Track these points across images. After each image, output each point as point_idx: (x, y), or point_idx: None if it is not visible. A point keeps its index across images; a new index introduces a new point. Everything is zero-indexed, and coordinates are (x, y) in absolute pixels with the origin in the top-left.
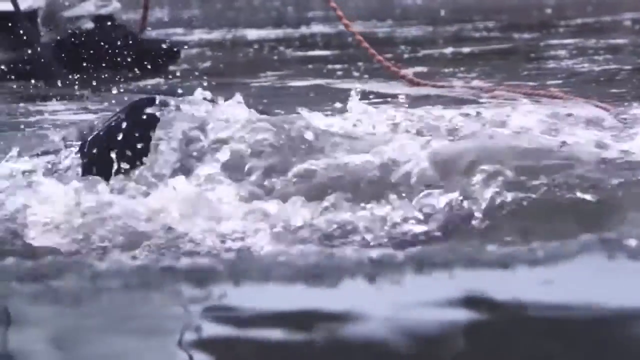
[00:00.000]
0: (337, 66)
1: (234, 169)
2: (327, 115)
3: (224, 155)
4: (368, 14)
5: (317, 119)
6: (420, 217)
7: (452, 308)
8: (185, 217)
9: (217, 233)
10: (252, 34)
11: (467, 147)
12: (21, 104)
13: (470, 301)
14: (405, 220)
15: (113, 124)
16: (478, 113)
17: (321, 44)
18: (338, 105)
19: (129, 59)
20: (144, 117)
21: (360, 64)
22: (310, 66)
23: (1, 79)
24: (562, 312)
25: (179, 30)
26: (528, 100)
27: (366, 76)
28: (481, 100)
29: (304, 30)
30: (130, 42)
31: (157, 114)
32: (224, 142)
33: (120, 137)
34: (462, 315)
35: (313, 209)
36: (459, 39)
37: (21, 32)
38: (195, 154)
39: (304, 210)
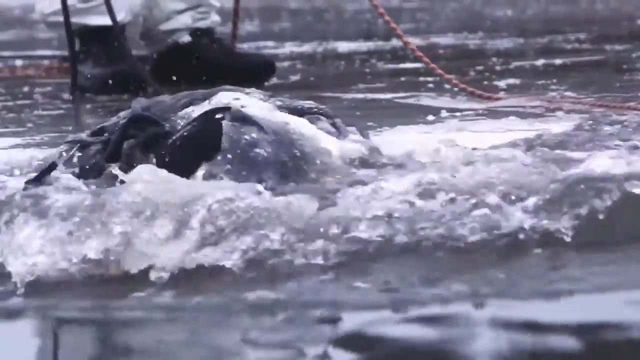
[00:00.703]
0: (429, 79)
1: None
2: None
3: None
4: (459, 26)
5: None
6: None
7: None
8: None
9: None
10: (342, 46)
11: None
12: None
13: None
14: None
15: (188, 132)
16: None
17: (412, 57)
18: (430, 117)
19: (226, 73)
20: (218, 127)
21: (452, 75)
22: (402, 79)
23: (95, 93)
24: None
25: (270, 43)
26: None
27: (456, 89)
28: (556, 115)
29: (394, 42)
30: (228, 55)
31: (230, 125)
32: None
33: (198, 146)
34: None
35: None
36: (550, 50)
37: (114, 45)
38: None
39: None
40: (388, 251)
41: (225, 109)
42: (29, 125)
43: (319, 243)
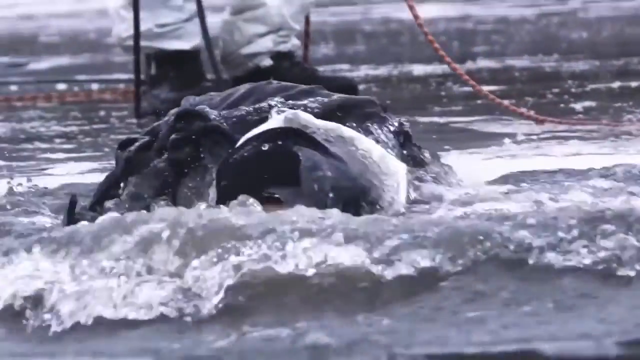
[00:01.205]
0: (505, 101)
1: None
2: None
3: None
4: (534, 48)
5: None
6: None
7: None
8: None
9: None
10: (418, 69)
11: None
12: None
13: None
14: None
15: (253, 152)
16: None
17: (488, 79)
18: (506, 140)
19: None
20: (287, 150)
21: (528, 98)
22: (478, 101)
23: None
24: None
25: (345, 66)
26: None
27: (532, 112)
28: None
29: (469, 65)
30: (309, 78)
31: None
32: None
33: (264, 168)
34: None
35: None
36: (626, 72)
37: (190, 70)
38: None
39: None
40: None
41: (292, 130)
42: (106, 149)
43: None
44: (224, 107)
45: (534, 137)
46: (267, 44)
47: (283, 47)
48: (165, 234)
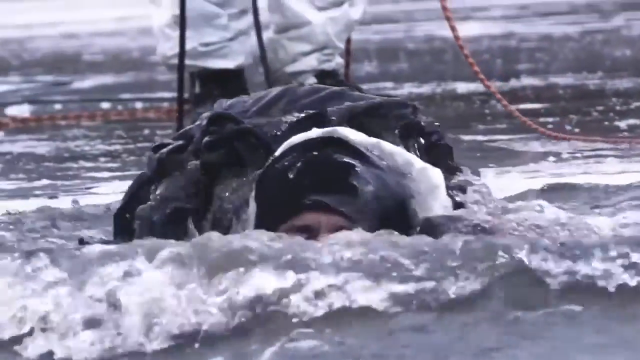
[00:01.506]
0: (549, 119)
1: None
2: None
3: None
4: (578, 65)
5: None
6: None
7: None
8: None
9: None
10: (461, 87)
11: None
12: None
13: None
14: None
15: (292, 161)
16: None
17: (532, 97)
18: (550, 159)
19: None
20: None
21: (572, 116)
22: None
23: None
24: None
25: (389, 84)
26: None
27: (577, 130)
28: None
29: (513, 83)
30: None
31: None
32: None
33: (306, 174)
34: None
35: None
36: None
37: (240, 88)
38: None
39: None
40: None
41: (333, 139)
42: None
43: None
44: (256, 110)
45: (578, 155)
46: (311, 62)
47: (327, 66)
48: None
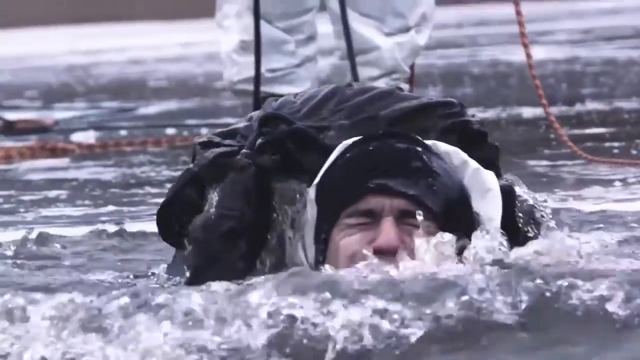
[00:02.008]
0: (615, 144)
1: None
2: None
3: None
4: None
5: None
6: None
7: None
8: None
9: None
10: (527, 112)
11: None
12: None
13: None
14: None
15: (355, 152)
16: None
17: (597, 121)
18: (617, 185)
19: None
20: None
21: (638, 141)
22: (588, 144)
23: None
24: None
25: None
26: None
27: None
28: None
29: (578, 107)
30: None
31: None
32: None
33: (369, 162)
34: None
35: None
36: None
37: None
38: None
39: None
40: None
41: (394, 132)
42: None
43: None
44: (306, 111)
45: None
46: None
47: None
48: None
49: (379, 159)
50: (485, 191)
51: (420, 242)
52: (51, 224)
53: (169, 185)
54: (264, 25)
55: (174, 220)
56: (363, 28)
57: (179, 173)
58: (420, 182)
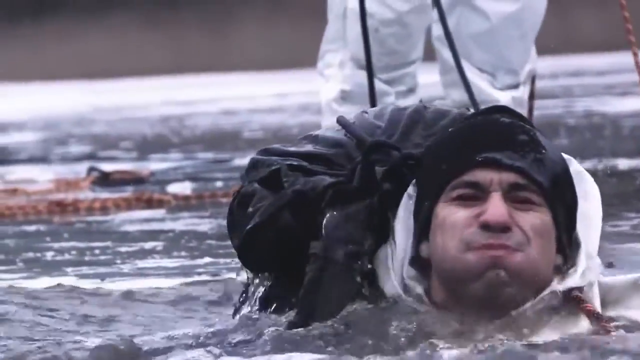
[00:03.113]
0: None
1: None
2: None
3: None
4: None
5: None
6: None
7: None
8: None
9: None
10: (623, 163)
11: None
12: None
13: None
14: None
15: (458, 126)
16: None
17: None
18: None
19: None
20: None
21: None
22: None
23: None
24: None
25: None
26: None
27: None
28: None
29: None
30: None
31: None
32: None
33: (473, 136)
34: None
35: None
36: None
37: None
38: None
39: None
40: None
41: (498, 108)
42: None
43: None
44: (398, 136)
45: None
46: None
47: None
48: None
49: (485, 132)
50: (585, 194)
51: None
52: (147, 275)
53: None
54: (366, 76)
55: (264, 245)
56: (478, 80)
57: None
58: (527, 156)
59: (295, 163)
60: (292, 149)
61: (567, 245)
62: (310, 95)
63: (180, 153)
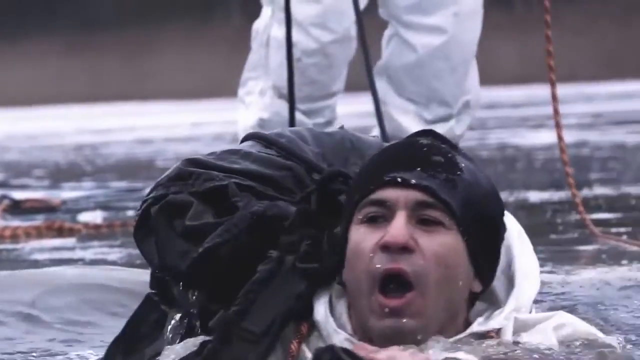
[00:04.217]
0: (622, 229)
1: None
2: None
3: None
4: None
5: None
6: None
7: None
8: None
9: None
10: (533, 196)
11: None
12: None
13: None
14: None
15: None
16: None
17: (604, 206)
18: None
19: None
20: None
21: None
22: (596, 229)
23: None
24: None
25: None
26: None
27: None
28: None
29: (585, 192)
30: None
31: None
32: None
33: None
34: None
35: None
36: None
37: None
38: None
39: None
40: None
41: (428, 132)
42: None
43: None
44: (340, 163)
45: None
46: None
47: None
48: None
49: (398, 153)
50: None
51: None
52: None
53: None
54: (285, 106)
55: (219, 264)
56: (402, 115)
57: None
58: (438, 176)
59: (241, 182)
60: (227, 164)
61: (486, 271)
62: (226, 125)
63: (92, 182)
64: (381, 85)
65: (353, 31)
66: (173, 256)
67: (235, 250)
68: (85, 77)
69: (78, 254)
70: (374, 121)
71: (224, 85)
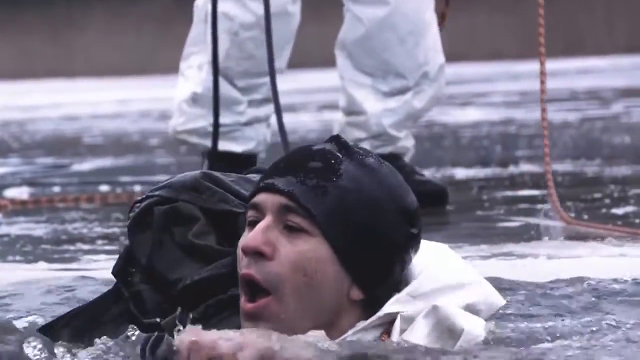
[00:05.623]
0: (547, 206)
1: None
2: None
3: None
4: (576, 152)
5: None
6: None
7: None
8: None
9: None
10: (460, 173)
11: None
12: None
13: None
14: None
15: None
16: None
17: (530, 184)
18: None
19: None
20: None
21: (569, 203)
22: (521, 206)
23: None
24: None
25: None
26: None
27: (572, 214)
28: None
29: (512, 169)
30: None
31: None
32: None
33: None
34: None
35: None
36: None
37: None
38: None
39: None
40: None
41: (335, 138)
42: None
43: None
44: None
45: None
46: (365, 147)
47: (382, 150)
48: None
49: (284, 159)
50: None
51: None
52: None
53: (100, 242)
54: (221, 82)
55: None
56: (357, 89)
57: (111, 230)
58: (308, 182)
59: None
60: (242, 191)
61: (369, 279)
62: (152, 102)
63: (19, 158)
64: (341, 60)
65: (291, 7)
66: (164, 263)
67: (224, 283)
68: (11, 53)
69: (4, 229)
70: (338, 96)
71: (151, 63)
